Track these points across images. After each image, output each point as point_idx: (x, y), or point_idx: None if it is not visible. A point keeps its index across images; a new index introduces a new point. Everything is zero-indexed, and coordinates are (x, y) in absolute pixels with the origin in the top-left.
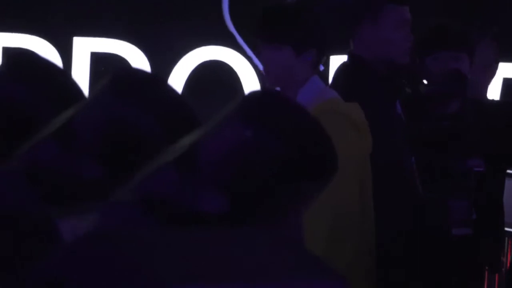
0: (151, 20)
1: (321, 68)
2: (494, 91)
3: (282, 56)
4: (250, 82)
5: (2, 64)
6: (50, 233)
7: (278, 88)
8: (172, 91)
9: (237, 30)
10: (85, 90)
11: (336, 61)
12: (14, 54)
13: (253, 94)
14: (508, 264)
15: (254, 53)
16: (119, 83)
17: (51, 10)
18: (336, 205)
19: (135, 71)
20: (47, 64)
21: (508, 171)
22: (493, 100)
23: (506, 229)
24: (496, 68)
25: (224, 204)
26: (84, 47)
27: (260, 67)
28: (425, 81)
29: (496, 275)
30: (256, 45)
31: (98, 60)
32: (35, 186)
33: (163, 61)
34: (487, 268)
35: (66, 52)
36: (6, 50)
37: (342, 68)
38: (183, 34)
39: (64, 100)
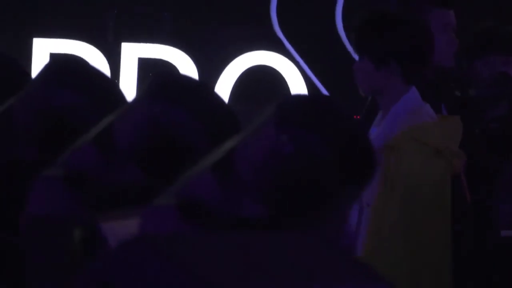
0: (198, 25)
1: None
2: None
3: (364, 67)
4: (297, 87)
5: (48, 69)
6: (94, 237)
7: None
8: (214, 96)
9: (285, 35)
10: (133, 96)
11: None
12: (61, 60)
13: (287, 99)
14: None
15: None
16: (157, 88)
17: (99, 17)
18: (408, 233)
19: (173, 75)
20: (93, 71)
21: None
22: None
23: None
24: None
25: (262, 209)
26: (132, 53)
27: (308, 72)
28: (472, 85)
29: None
30: None
31: (146, 66)
32: (78, 191)
33: (211, 66)
34: None
35: (114, 58)
36: (53, 56)
37: None
38: (231, 39)
39: (109, 107)
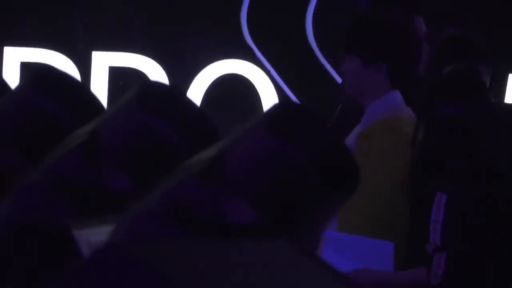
0: (169, 34)
1: (340, 81)
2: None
3: (353, 66)
4: (268, 95)
5: (24, 78)
6: (68, 245)
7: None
8: (192, 104)
9: (255, 44)
10: (104, 104)
11: None
12: (36, 69)
13: (280, 106)
14: None
15: (273, 66)
16: (145, 95)
17: (69, 25)
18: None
19: (159, 84)
20: (68, 78)
21: None
22: None
23: None
24: None
25: (251, 215)
26: (103, 62)
27: (279, 80)
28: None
29: None
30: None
31: (117, 74)
32: (63, 198)
33: (182, 75)
34: None
35: (85, 67)
36: (24, 64)
37: None
38: (202, 47)
39: (85, 113)
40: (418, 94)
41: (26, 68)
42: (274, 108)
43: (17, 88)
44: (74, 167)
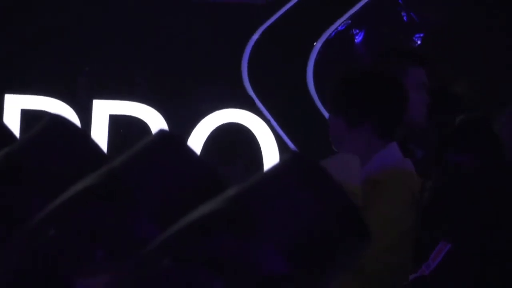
0: (170, 82)
1: None
2: None
3: (337, 125)
4: (268, 144)
5: (40, 127)
6: None
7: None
8: (193, 152)
9: (256, 94)
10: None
11: None
12: (50, 118)
13: (298, 157)
14: None
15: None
16: (165, 143)
17: (70, 74)
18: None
19: (171, 134)
20: (75, 127)
21: None
22: None
23: None
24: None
25: (285, 266)
26: (104, 110)
27: (278, 130)
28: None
29: None
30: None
31: (117, 123)
32: (89, 246)
33: (182, 124)
34: None
35: (85, 115)
36: (25, 112)
37: None
38: (202, 97)
39: (89, 161)
40: (424, 144)
41: (31, 115)
42: (294, 159)
43: (32, 136)
44: (99, 215)
